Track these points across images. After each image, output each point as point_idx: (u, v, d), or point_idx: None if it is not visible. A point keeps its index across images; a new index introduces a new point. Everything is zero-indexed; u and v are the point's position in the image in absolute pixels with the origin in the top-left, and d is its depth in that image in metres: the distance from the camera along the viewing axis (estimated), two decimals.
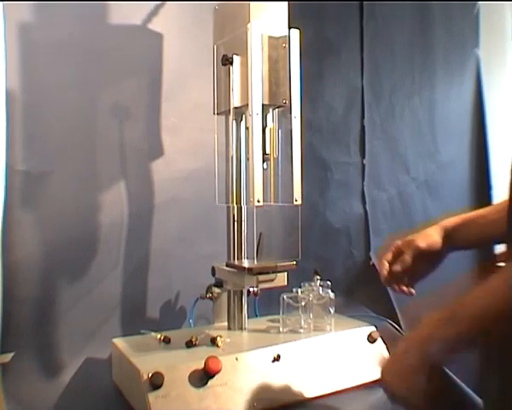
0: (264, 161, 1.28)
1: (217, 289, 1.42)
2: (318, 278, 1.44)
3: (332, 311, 1.38)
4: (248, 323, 1.41)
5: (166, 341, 1.27)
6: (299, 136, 1.27)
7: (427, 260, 1.07)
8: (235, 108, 1.25)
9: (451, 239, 1.05)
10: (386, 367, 0.78)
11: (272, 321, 1.44)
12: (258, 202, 1.18)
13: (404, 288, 1.10)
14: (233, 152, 1.36)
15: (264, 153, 1.27)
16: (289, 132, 1.29)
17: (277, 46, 1.26)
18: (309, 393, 1.21)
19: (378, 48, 2.06)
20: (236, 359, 1.16)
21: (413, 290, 1.10)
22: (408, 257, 1.06)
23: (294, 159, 1.27)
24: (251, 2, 1.21)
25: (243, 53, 1.22)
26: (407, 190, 2.08)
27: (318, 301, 1.38)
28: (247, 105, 1.20)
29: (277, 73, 1.26)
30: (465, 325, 0.65)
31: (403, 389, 0.73)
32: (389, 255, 1.10)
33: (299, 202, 1.27)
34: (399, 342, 0.76)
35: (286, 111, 1.30)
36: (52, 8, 1.39)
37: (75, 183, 1.44)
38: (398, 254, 1.09)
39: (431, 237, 1.05)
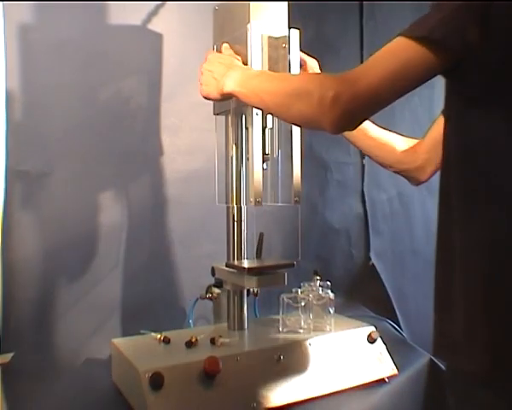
0: (264, 161, 1.28)
1: (216, 290, 1.42)
2: (318, 278, 1.44)
3: (332, 311, 1.38)
4: (248, 323, 1.41)
5: (166, 341, 1.27)
6: (299, 136, 1.27)
7: None
8: (235, 108, 1.25)
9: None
10: (208, 67, 1.08)
11: (272, 321, 1.44)
12: (258, 202, 1.18)
13: None
14: (233, 152, 1.36)
15: (264, 153, 1.27)
16: (289, 132, 1.29)
17: (277, 46, 1.26)
18: (309, 393, 1.21)
19: (378, 48, 2.05)
20: (236, 359, 1.16)
21: None
22: None
23: (294, 159, 1.27)
24: (251, 2, 1.21)
25: (243, 53, 1.22)
26: (407, 190, 2.08)
27: (318, 301, 1.38)
28: (247, 105, 1.20)
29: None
30: (250, 89, 0.95)
31: (204, 81, 1.07)
32: None
33: (299, 201, 1.26)
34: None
35: None
36: (52, 8, 1.39)
37: (75, 183, 1.44)
38: None
39: None
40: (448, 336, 0.77)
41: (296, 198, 1.26)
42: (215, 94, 1.04)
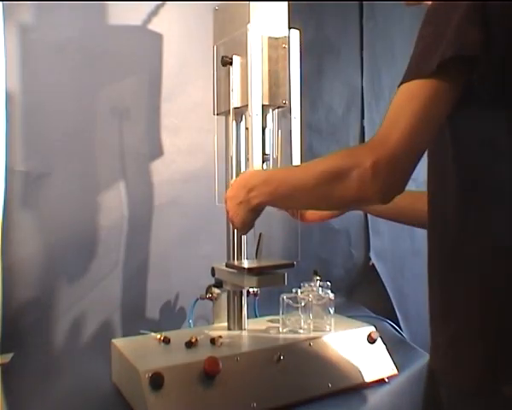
0: (263, 162, 1.28)
1: (216, 290, 1.42)
2: (318, 278, 1.44)
3: (332, 311, 1.38)
4: (248, 323, 1.41)
5: (166, 341, 1.27)
6: (298, 136, 1.27)
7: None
8: (235, 108, 1.25)
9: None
10: (229, 195, 1.03)
11: (272, 321, 1.44)
12: None
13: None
14: (233, 152, 1.36)
15: (263, 153, 1.27)
16: (289, 133, 1.29)
17: (277, 46, 1.26)
18: (309, 393, 1.21)
19: (378, 48, 2.06)
20: (236, 359, 1.16)
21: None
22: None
23: (294, 159, 1.27)
24: (251, 3, 1.21)
25: (243, 54, 1.22)
26: (406, 190, 2.08)
27: (318, 301, 1.38)
28: (247, 105, 1.20)
29: (277, 74, 1.26)
30: (274, 186, 0.90)
31: (232, 212, 1.00)
32: None
33: (298, 134, 1.26)
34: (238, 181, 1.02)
35: (286, 111, 1.30)
36: (52, 8, 1.39)
37: (75, 184, 1.44)
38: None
39: None
40: (438, 346, 0.78)
41: (295, 131, 1.26)
42: (248, 217, 0.98)
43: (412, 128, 0.69)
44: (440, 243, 0.79)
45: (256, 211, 0.96)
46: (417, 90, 0.69)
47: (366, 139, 2.03)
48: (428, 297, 0.81)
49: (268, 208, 0.97)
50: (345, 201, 0.79)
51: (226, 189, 1.38)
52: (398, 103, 0.71)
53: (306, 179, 0.81)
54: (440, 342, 0.77)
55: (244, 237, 1.40)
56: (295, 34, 1.25)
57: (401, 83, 0.71)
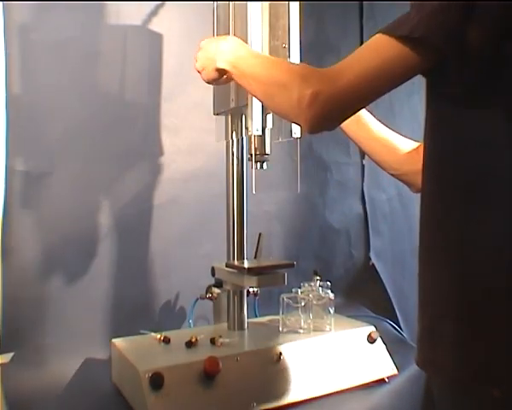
0: (263, 162, 1.28)
1: (216, 290, 1.42)
2: (318, 278, 1.44)
3: (332, 311, 1.38)
4: (248, 323, 1.41)
5: (166, 341, 1.27)
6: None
7: None
8: (235, 108, 1.25)
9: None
10: (202, 43, 1.09)
11: (272, 321, 1.44)
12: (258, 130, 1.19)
13: None
14: (233, 152, 1.36)
15: (264, 153, 1.27)
16: (289, 133, 1.29)
17: (277, 46, 1.26)
18: (309, 393, 1.21)
19: None
20: (236, 359, 1.16)
21: None
22: None
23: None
24: (250, 3, 1.21)
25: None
26: (407, 190, 2.07)
27: (318, 301, 1.38)
28: (247, 105, 1.20)
29: None
30: (238, 61, 0.94)
31: (200, 62, 1.07)
32: None
33: (298, 134, 1.27)
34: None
35: None
36: (52, 8, 1.39)
37: (75, 184, 1.44)
38: None
39: None
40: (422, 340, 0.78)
41: (295, 131, 1.26)
42: (213, 73, 1.03)
43: (363, 77, 0.71)
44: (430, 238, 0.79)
45: (219, 72, 1.01)
46: (384, 45, 0.71)
47: None
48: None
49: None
50: (280, 110, 0.85)
51: (227, 188, 1.39)
52: (364, 49, 0.74)
53: (261, 74, 0.88)
54: (419, 335, 0.79)
55: (244, 237, 1.40)
56: (295, 32, 1.25)
57: (378, 31, 0.72)
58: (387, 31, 0.71)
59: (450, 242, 0.74)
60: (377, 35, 0.72)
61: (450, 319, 0.74)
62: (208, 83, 1.09)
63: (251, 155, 1.27)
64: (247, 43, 1.19)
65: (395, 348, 1.43)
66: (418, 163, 0.98)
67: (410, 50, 0.69)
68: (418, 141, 1.12)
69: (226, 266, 1.35)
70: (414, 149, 1.11)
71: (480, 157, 0.72)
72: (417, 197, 2.23)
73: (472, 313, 0.72)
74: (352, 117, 0.82)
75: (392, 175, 1.14)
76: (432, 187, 0.78)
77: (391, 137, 1.15)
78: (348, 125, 1.12)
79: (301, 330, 1.33)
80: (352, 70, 0.72)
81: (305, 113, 0.75)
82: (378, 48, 0.72)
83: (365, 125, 1.14)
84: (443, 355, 0.74)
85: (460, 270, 0.73)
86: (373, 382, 1.31)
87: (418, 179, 0.95)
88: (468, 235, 0.72)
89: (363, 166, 2.03)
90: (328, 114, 0.76)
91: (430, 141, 0.78)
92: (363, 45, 0.74)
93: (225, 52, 0.98)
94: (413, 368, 1.40)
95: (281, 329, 1.36)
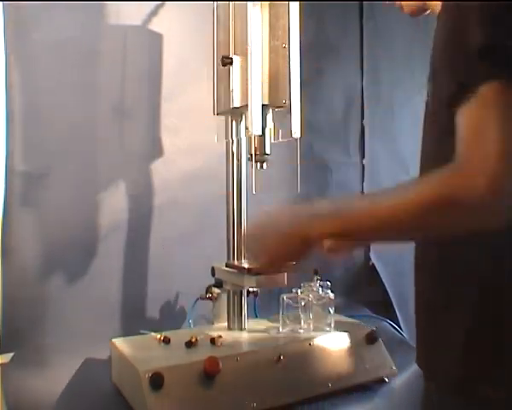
0: (263, 162, 1.29)
1: (216, 290, 1.42)
2: (318, 277, 1.44)
3: (332, 311, 1.38)
4: (248, 323, 1.41)
5: (166, 341, 1.27)
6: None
7: None
8: (235, 108, 1.25)
9: None
10: (264, 224, 0.79)
11: (272, 321, 1.44)
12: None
13: None
14: (233, 152, 1.36)
15: (264, 153, 1.27)
16: (289, 133, 1.29)
17: (277, 46, 1.26)
18: (309, 393, 1.21)
19: (378, 47, 2.06)
20: (236, 359, 1.16)
21: None
22: None
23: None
24: (250, 3, 1.21)
25: (243, 53, 1.22)
26: None
27: (318, 301, 1.38)
28: (247, 105, 1.20)
29: (277, 74, 1.26)
30: (343, 222, 0.70)
31: (270, 239, 0.76)
32: None
33: (298, 134, 1.27)
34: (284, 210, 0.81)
35: (286, 111, 1.30)
36: (52, 8, 1.38)
37: (75, 184, 1.44)
38: None
39: None
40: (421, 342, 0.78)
41: (295, 131, 1.27)
42: (296, 249, 0.74)
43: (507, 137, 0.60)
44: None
45: (310, 245, 0.73)
46: (492, 96, 0.61)
47: (366, 139, 2.03)
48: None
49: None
50: (461, 225, 0.67)
51: (227, 188, 1.38)
52: (478, 113, 0.62)
53: (398, 213, 0.67)
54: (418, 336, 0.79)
55: (244, 237, 1.40)
56: (295, 32, 1.25)
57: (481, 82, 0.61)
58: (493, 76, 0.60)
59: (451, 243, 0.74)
60: (490, 88, 0.61)
61: (448, 320, 0.74)
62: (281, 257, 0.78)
63: (251, 155, 1.27)
64: (247, 43, 1.19)
65: (395, 348, 1.43)
66: None
67: None
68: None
69: (226, 266, 1.35)
70: None
71: None
72: None
73: (472, 314, 0.72)
74: None
75: None
76: None
77: None
78: None
79: (301, 330, 1.33)
80: (491, 137, 0.61)
81: (496, 206, 0.62)
82: (489, 102, 0.61)
83: None
84: (442, 357, 0.74)
85: (460, 270, 0.73)
86: (373, 382, 1.31)
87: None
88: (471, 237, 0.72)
89: (363, 166, 2.03)
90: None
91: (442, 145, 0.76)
92: (468, 114, 0.63)
93: (317, 216, 0.73)
94: (413, 368, 1.40)
95: (281, 329, 1.36)
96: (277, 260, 0.77)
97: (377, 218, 0.68)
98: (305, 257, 0.74)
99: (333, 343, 1.30)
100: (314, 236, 0.70)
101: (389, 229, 0.69)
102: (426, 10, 0.90)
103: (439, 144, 0.78)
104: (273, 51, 1.26)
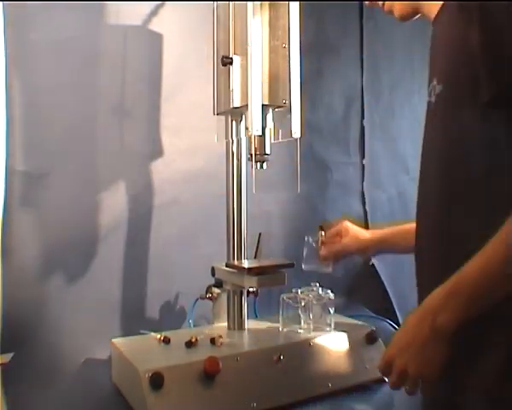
0: (263, 162, 1.29)
1: (216, 290, 1.42)
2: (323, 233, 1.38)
3: (332, 311, 1.38)
4: (248, 323, 1.41)
5: (166, 341, 1.27)
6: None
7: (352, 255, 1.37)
8: (235, 108, 1.25)
9: (379, 247, 1.28)
10: (396, 344, 0.79)
11: (272, 321, 1.44)
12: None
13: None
14: (233, 152, 1.36)
15: (264, 153, 1.27)
16: (289, 132, 1.29)
17: (277, 46, 1.26)
18: (309, 393, 1.21)
19: (378, 47, 2.06)
20: (236, 359, 1.16)
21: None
22: (339, 253, 1.33)
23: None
24: (250, 3, 1.21)
25: (243, 53, 1.22)
26: (407, 190, 2.08)
27: (318, 301, 1.38)
28: (247, 105, 1.20)
29: (277, 74, 1.26)
30: (468, 293, 0.70)
31: (417, 361, 0.74)
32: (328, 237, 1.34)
33: (298, 134, 1.27)
34: (407, 319, 0.80)
35: (286, 111, 1.30)
36: (52, 8, 1.38)
37: (75, 183, 1.44)
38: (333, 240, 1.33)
39: (363, 243, 1.28)
40: None
41: (295, 132, 1.27)
42: (440, 351, 0.73)
43: None
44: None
45: (447, 336, 0.72)
46: None
47: (366, 139, 2.03)
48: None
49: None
50: None
51: (227, 188, 1.38)
52: None
53: (504, 252, 0.68)
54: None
55: (244, 237, 1.40)
56: (295, 32, 1.25)
57: None
58: None
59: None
60: None
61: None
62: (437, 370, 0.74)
63: (251, 155, 1.27)
64: (247, 43, 1.19)
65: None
66: None
67: None
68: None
69: (226, 266, 1.35)
70: None
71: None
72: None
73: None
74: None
75: None
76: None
77: None
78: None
79: (301, 330, 1.33)
80: None
81: None
82: None
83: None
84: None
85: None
86: (373, 382, 1.31)
87: None
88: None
89: (363, 166, 2.03)
90: None
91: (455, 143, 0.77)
92: None
93: (439, 309, 0.73)
94: None
95: (281, 329, 1.36)
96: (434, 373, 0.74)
97: (492, 274, 0.68)
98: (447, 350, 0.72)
99: (333, 343, 1.30)
100: (447, 328, 0.71)
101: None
102: (417, 14, 0.93)
103: (448, 143, 0.77)
104: (273, 51, 1.26)
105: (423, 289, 0.82)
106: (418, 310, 0.77)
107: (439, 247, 0.81)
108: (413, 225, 0.98)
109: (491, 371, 0.73)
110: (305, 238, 1.36)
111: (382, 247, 1.28)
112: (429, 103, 0.85)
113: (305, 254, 1.35)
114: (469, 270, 0.71)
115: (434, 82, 0.81)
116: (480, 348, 0.74)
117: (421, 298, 0.82)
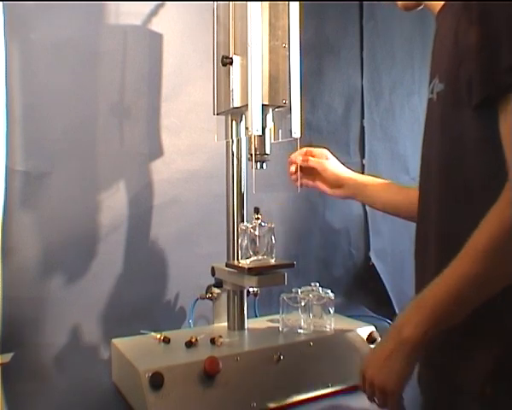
0: (263, 162, 1.29)
1: (216, 290, 1.42)
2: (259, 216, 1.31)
3: (332, 311, 1.38)
4: (248, 323, 1.41)
5: (166, 341, 1.27)
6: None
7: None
8: (235, 108, 1.25)
9: (354, 192, 1.24)
10: (368, 357, 0.84)
11: (272, 321, 1.44)
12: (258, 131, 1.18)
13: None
14: (233, 152, 1.36)
15: (264, 153, 1.27)
16: (289, 133, 1.29)
17: (277, 46, 1.26)
18: (309, 393, 1.21)
19: (378, 47, 2.06)
20: (236, 359, 1.16)
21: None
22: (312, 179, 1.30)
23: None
24: (250, 3, 1.21)
25: (243, 53, 1.22)
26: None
27: (318, 301, 1.38)
28: (247, 105, 1.20)
29: (277, 74, 1.26)
30: (432, 308, 0.72)
31: (381, 374, 0.77)
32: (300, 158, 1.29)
33: (298, 134, 1.27)
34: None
35: (286, 111, 1.30)
36: (52, 8, 1.39)
37: (75, 183, 1.44)
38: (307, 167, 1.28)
39: (340, 181, 1.24)
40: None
41: (295, 132, 1.27)
42: (406, 365, 0.75)
43: None
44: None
45: (413, 349, 0.74)
46: None
47: (366, 139, 2.03)
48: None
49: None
50: None
51: (227, 188, 1.38)
52: None
53: (471, 267, 0.68)
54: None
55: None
56: (296, 33, 1.25)
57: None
58: None
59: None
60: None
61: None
62: (400, 382, 0.77)
63: (251, 154, 1.27)
64: (247, 43, 1.19)
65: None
66: None
67: None
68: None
69: (226, 266, 1.35)
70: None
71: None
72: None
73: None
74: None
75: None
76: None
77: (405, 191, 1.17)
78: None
79: (301, 330, 1.33)
80: None
81: None
82: None
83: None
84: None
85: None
86: None
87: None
88: None
89: (363, 166, 2.03)
90: None
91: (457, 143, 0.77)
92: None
93: (405, 322, 0.75)
94: None
95: (281, 329, 1.36)
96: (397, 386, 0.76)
97: (454, 285, 0.69)
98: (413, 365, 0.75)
99: (333, 343, 1.30)
100: (416, 342, 0.72)
101: (472, 289, 0.69)
102: (420, 5, 0.93)
103: (448, 142, 0.77)
104: (273, 51, 1.25)
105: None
106: (392, 324, 0.79)
107: (438, 247, 0.81)
108: (390, 183, 1.14)
109: (484, 371, 0.73)
110: None
111: (357, 193, 1.24)
112: (430, 101, 0.84)
113: None
114: (435, 284, 0.72)
115: (436, 80, 0.81)
116: (473, 349, 0.74)
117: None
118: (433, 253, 0.83)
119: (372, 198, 1.23)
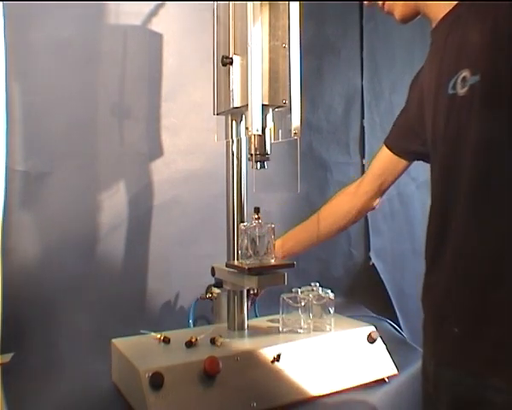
0: (263, 162, 1.28)
1: (216, 290, 1.42)
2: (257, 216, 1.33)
3: (332, 311, 1.38)
4: (248, 323, 1.41)
5: (166, 341, 1.27)
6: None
7: None
8: (235, 108, 1.25)
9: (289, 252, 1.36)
10: None
11: (272, 321, 1.44)
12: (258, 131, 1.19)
13: None
14: (233, 152, 1.36)
15: (264, 153, 1.27)
16: (289, 132, 1.29)
17: (277, 46, 1.26)
18: (309, 393, 1.21)
19: (377, 48, 2.06)
20: (236, 359, 1.16)
21: None
22: None
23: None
24: (250, 3, 1.21)
25: (243, 53, 1.22)
26: (407, 190, 2.08)
27: (318, 301, 1.38)
28: (247, 105, 1.20)
29: (277, 74, 1.26)
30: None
31: None
32: None
33: (298, 134, 1.27)
34: None
35: (286, 111, 1.30)
36: (52, 8, 1.39)
37: (75, 183, 1.44)
38: None
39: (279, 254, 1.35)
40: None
41: (295, 131, 1.26)
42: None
43: None
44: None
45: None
46: None
47: (366, 139, 2.03)
48: None
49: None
50: None
51: (227, 188, 1.39)
52: None
53: None
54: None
55: None
56: (296, 33, 1.25)
57: None
58: None
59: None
60: None
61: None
62: None
63: (251, 154, 1.27)
64: (247, 43, 1.19)
65: (395, 348, 1.43)
66: (361, 199, 1.26)
67: None
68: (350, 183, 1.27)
69: (226, 266, 1.35)
70: (349, 196, 1.30)
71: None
72: (417, 197, 2.23)
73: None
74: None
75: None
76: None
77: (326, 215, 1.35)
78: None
79: (301, 330, 1.33)
80: None
81: None
82: None
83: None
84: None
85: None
86: (373, 382, 1.31)
87: (368, 207, 1.27)
88: None
89: (363, 166, 2.02)
90: None
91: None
92: None
93: None
94: (413, 368, 1.40)
95: (281, 329, 1.36)
96: None
97: None
98: None
99: (333, 343, 1.30)
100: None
101: None
102: (417, 15, 0.93)
103: (489, 141, 0.75)
104: (273, 51, 1.25)
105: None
106: None
107: (467, 246, 0.78)
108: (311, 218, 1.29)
109: (481, 356, 0.74)
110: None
111: (291, 251, 1.36)
112: (453, 97, 0.79)
113: None
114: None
115: (465, 73, 0.75)
116: (470, 335, 0.75)
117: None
118: (464, 252, 0.80)
119: (303, 244, 1.39)
